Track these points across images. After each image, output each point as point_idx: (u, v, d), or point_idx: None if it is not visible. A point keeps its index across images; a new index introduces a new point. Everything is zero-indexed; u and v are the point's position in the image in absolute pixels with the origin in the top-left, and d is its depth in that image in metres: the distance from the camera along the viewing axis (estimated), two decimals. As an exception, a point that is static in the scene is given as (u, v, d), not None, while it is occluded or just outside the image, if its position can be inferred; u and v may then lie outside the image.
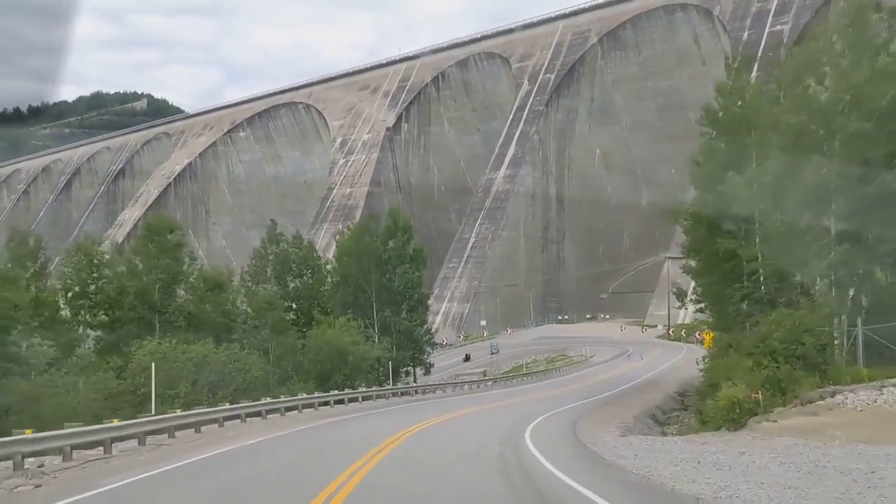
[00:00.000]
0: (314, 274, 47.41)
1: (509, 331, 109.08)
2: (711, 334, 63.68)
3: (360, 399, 35.28)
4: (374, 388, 38.61)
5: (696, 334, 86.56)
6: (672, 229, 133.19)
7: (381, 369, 43.64)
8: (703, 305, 40.17)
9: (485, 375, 58.37)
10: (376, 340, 44.50)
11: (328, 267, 50.64)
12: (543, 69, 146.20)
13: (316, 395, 33.35)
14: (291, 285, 46.13)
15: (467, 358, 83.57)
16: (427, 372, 55.34)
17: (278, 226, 54.75)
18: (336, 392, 34.98)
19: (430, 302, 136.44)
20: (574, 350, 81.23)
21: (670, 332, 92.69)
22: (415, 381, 50.23)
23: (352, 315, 43.08)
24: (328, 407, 32.23)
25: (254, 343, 36.65)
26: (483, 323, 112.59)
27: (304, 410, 30.39)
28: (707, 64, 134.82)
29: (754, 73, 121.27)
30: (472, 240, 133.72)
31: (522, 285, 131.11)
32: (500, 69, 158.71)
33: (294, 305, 45.47)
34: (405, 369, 50.54)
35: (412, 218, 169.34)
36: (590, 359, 71.08)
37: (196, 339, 32.84)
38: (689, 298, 41.92)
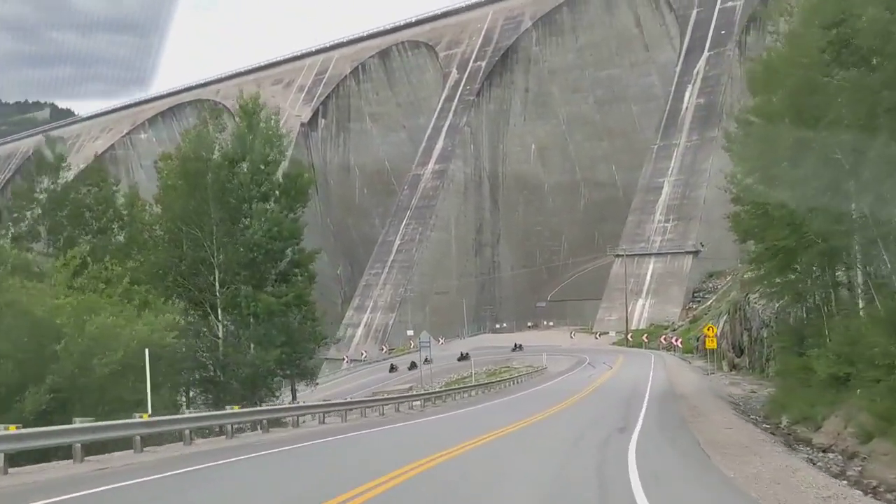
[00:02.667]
0: (126, 226, 30.03)
1: (441, 341, 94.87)
2: (713, 330, 51.00)
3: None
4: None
5: (662, 337, 74.28)
6: (613, 230, 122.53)
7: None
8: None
9: (411, 391, 42.99)
10: (219, 331, 28.09)
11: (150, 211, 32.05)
12: (473, 56, 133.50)
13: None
14: (87, 246, 26.96)
15: (393, 368, 70.13)
16: (311, 383, 37.96)
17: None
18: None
19: (350, 312, 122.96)
20: (519, 360, 67.61)
21: (629, 337, 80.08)
22: (293, 400, 32.91)
23: (173, 285, 27.14)
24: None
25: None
26: (410, 333, 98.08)
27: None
28: (650, 49, 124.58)
29: (705, 54, 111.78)
30: (398, 242, 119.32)
31: (454, 292, 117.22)
32: (427, 59, 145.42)
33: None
34: (276, 380, 30.85)
35: (331, 224, 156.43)
36: (545, 369, 57.42)
37: None
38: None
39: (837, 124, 16.61)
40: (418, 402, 31.81)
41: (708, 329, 46.29)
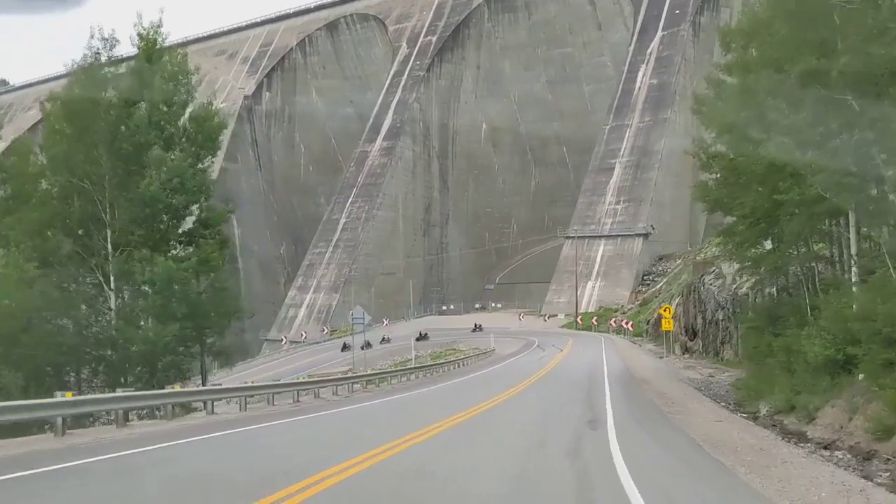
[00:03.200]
0: (9, 178, 25.08)
1: (385, 322, 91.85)
2: (670, 311, 48.89)
3: None
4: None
5: (612, 320, 72.44)
6: (563, 213, 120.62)
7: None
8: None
9: (348, 374, 39.78)
10: (111, 301, 23.65)
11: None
12: (424, 31, 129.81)
13: None
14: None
15: (346, 347, 67.45)
16: (225, 364, 32.40)
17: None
18: None
19: (292, 293, 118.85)
20: (466, 343, 64.94)
21: (578, 320, 78.08)
22: (203, 383, 28.37)
23: (56, 246, 22.56)
24: None
25: None
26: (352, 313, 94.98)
27: None
28: (603, 28, 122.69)
29: (659, 34, 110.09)
30: (343, 221, 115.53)
31: (401, 273, 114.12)
32: (376, 33, 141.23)
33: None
34: (183, 359, 26.20)
35: (275, 201, 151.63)
36: (493, 352, 54.80)
37: None
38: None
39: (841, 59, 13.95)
40: (357, 386, 28.65)
41: (664, 310, 44.19)
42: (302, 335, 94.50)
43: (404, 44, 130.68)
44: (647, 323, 68.27)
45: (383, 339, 74.41)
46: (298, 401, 23.11)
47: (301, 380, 33.14)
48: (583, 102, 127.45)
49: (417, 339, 66.62)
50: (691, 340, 51.06)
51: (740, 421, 16.64)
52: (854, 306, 15.21)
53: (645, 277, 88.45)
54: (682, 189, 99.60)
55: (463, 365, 44.10)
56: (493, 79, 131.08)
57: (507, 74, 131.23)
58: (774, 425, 16.08)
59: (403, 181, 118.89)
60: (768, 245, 22.83)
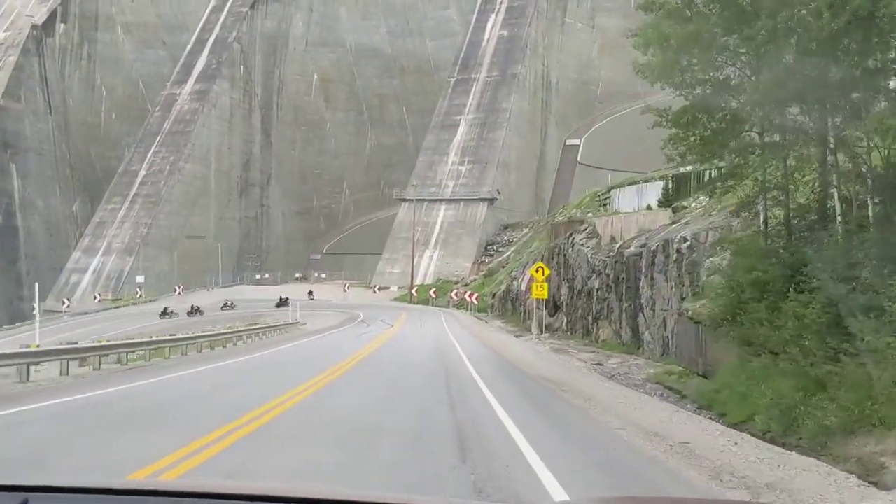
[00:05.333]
0: None
1: (178, 291, 77.14)
2: (545, 273, 38.10)
3: None
4: None
5: (453, 293, 62.17)
6: (401, 179, 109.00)
7: None
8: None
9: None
10: None
11: None
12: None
13: None
14: None
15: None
16: None
17: None
18: None
19: (76, 255, 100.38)
20: (274, 317, 52.13)
21: (414, 292, 67.26)
22: None
23: None
24: None
25: None
26: (140, 280, 79.45)
27: None
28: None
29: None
30: (143, 173, 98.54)
31: (212, 237, 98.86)
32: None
33: None
34: None
35: (68, 152, 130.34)
36: (302, 325, 42.37)
37: None
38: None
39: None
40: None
41: (536, 270, 33.34)
42: (64, 303, 77.06)
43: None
44: (493, 296, 58.45)
45: (195, 309, 60.43)
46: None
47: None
48: (426, 59, 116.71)
49: (278, 306, 60.58)
50: (551, 315, 41.30)
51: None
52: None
53: (489, 248, 79.07)
54: (529, 153, 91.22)
55: (248, 339, 31.29)
56: (327, 25, 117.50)
57: (344, 22, 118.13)
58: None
59: (218, 131, 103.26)
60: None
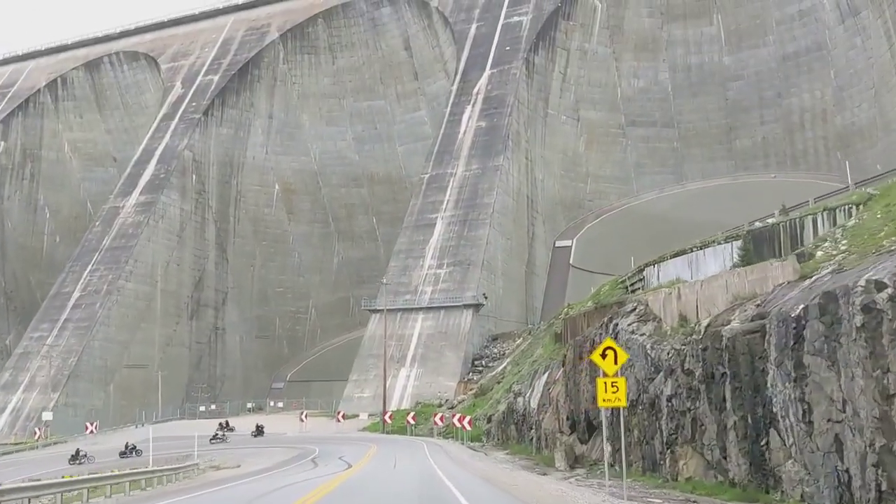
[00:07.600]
0: None
1: (91, 429, 63.54)
2: (619, 356, 25.89)
3: None
4: None
5: (438, 417, 49.60)
6: (371, 294, 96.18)
7: None
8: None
9: None
10: None
11: None
12: (204, 70, 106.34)
13: None
14: None
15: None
16: None
17: None
18: None
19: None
20: (203, 457, 39.20)
21: (388, 418, 54.38)
22: None
23: None
24: None
25: None
26: (46, 418, 65.99)
27: None
28: (420, 77, 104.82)
29: (488, 72, 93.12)
30: (77, 294, 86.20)
31: (156, 366, 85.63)
32: (147, 75, 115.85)
33: None
34: None
35: (3, 279, 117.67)
36: (220, 469, 29.75)
37: None
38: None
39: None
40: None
41: (602, 355, 20.29)
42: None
43: (178, 83, 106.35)
44: (489, 420, 45.98)
45: (130, 448, 47.09)
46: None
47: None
48: (396, 165, 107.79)
49: (255, 435, 56.18)
50: (583, 441, 29.21)
51: None
52: None
53: (476, 362, 66.84)
54: (515, 255, 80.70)
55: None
56: (288, 132, 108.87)
57: (307, 129, 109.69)
58: None
59: (165, 246, 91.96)
60: None
